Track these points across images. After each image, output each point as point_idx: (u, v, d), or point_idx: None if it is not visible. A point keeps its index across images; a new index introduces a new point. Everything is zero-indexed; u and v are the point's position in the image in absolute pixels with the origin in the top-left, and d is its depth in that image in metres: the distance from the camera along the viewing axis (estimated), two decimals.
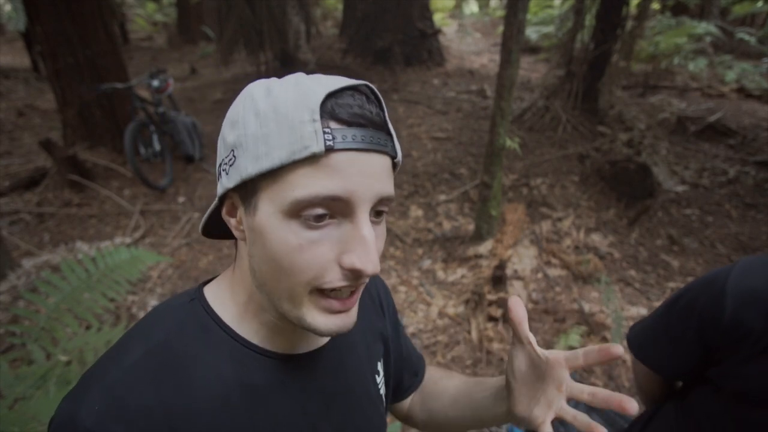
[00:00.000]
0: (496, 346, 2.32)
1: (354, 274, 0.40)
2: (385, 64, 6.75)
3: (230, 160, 0.41)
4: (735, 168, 4.05)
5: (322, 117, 0.37)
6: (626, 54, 4.75)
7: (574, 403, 1.54)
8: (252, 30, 5.98)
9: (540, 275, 2.85)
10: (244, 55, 6.61)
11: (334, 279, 0.40)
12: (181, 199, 3.87)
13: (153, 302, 2.70)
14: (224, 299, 0.48)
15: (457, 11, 11.28)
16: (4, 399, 1.25)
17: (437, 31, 7.38)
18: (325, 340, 0.54)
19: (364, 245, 0.39)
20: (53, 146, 3.67)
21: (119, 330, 1.61)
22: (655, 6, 6.81)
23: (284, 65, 6.58)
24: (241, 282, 0.47)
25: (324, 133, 0.36)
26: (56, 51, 3.84)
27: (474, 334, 2.41)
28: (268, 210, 0.39)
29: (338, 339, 0.55)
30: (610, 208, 3.57)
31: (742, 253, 3.09)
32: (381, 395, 0.63)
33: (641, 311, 2.56)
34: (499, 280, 2.55)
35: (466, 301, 2.62)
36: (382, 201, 0.41)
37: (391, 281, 2.88)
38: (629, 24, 4.67)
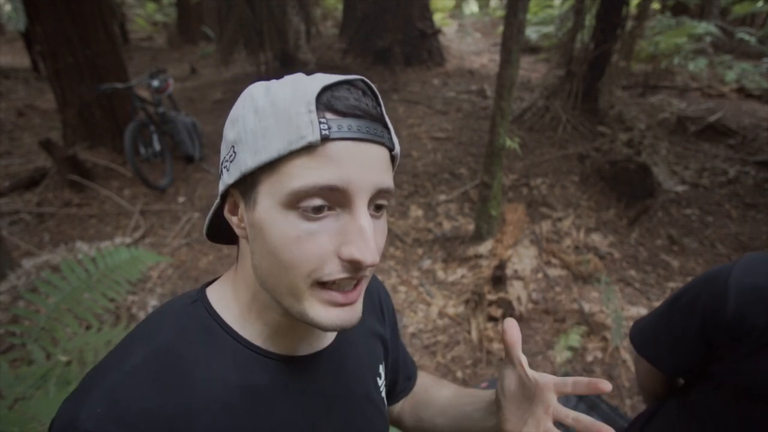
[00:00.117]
0: (496, 346, 2.32)
1: (353, 266, 0.40)
2: (385, 64, 6.74)
3: (231, 156, 0.42)
4: (735, 168, 4.05)
5: (318, 108, 0.38)
6: (626, 54, 4.75)
7: (574, 403, 1.53)
8: (252, 30, 5.98)
9: (540, 275, 2.85)
10: (244, 55, 6.61)
11: (334, 271, 0.40)
12: (181, 199, 3.87)
13: (153, 302, 2.70)
14: (227, 300, 0.48)
15: (457, 11, 11.27)
16: (4, 399, 1.25)
17: (437, 31, 7.37)
18: (327, 342, 0.54)
19: (363, 236, 0.39)
20: (53, 146, 3.67)
21: (119, 330, 1.61)
22: (655, 6, 6.80)
23: (284, 65, 6.57)
24: (244, 281, 0.47)
25: (320, 123, 0.37)
26: (56, 51, 3.84)
27: (474, 334, 2.41)
28: (267, 203, 0.39)
29: (340, 341, 0.55)
30: (610, 208, 3.57)
31: (742, 253, 3.09)
32: (383, 398, 0.63)
33: (641, 311, 2.56)
34: (499, 280, 2.55)
35: (466, 301, 2.62)
36: (381, 193, 0.41)
37: (391, 281, 2.89)
38: (629, 24, 4.67)
